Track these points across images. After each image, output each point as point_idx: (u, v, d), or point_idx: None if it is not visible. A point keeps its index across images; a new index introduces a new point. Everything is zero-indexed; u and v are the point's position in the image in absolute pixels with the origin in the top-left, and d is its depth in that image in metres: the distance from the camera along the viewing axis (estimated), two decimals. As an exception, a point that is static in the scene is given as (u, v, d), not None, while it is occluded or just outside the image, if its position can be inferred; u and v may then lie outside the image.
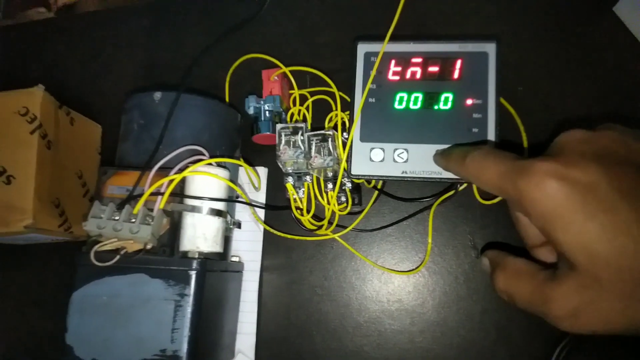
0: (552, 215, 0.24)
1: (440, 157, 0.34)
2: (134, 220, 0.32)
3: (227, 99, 0.43)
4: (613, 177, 0.23)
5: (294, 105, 0.41)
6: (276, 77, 0.40)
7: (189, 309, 0.32)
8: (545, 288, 0.25)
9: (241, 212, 0.42)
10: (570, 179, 0.23)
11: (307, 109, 0.41)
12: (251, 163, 0.42)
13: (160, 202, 0.33)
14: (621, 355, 0.36)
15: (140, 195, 0.33)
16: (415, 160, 0.35)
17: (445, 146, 0.34)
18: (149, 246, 0.33)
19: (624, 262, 0.22)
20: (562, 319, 0.24)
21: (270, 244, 0.42)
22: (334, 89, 0.40)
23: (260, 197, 0.42)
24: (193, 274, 0.32)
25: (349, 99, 0.39)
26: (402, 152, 0.35)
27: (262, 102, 0.40)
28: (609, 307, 0.23)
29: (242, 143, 0.43)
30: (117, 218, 0.32)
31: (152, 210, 0.33)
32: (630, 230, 0.22)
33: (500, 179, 0.27)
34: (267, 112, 0.40)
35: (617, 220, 0.22)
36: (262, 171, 0.43)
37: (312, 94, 0.42)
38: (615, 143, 0.25)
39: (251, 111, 0.40)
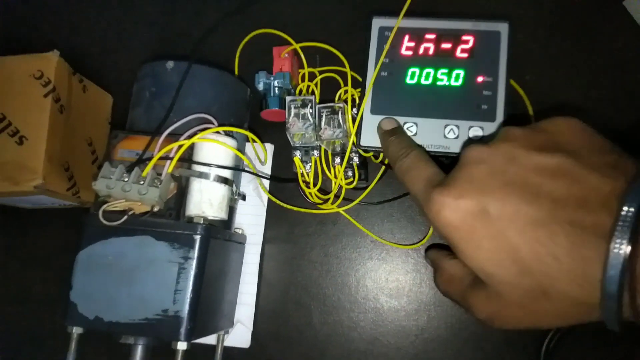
0: (451, 242, 0.27)
1: (381, 141, 0.36)
2: (142, 182, 0.33)
3: (236, 72, 0.44)
4: (497, 203, 0.25)
5: (303, 82, 0.42)
6: (287, 54, 0.41)
7: (192, 272, 0.32)
8: (468, 295, 0.29)
9: (246, 186, 0.43)
10: (460, 210, 0.25)
11: (315, 85, 0.42)
12: (259, 138, 0.43)
13: (169, 166, 0.33)
14: (609, 339, 0.36)
15: (150, 159, 0.33)
16: (424, 133, 0.35)
17: (455, 122, 0.35)
18: (156, 209, 0.33)
19: (513, 281, 0.24)
20: (482, 321, 0.28)
21: (273, 218, 0.43)
22: (347, 67, 0.41)
23: (266, 172, 0.43)
24: (198, 238, 0.33)
25: (360, 78, 0.40)
26: (412, 126, 0.36)
27: (272, 78, 0.40)
28: (513, 315, 0.26)
29: (251, 119, 0.44)
30: (126, 180, 0.33)
31: (160, 174, 0.34)
32: (513, 254, 0.24)
33: (415, 198, 0.30)
34: (276, 89, 0.40)
35: (500, 245, 0.24)
36: (269, 147, 0.44)
37: (321, 72, 0.43)
38: (506, 161, 0.26)
39: (261, 87, 0.41)
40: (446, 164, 0.36)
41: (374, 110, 0.36)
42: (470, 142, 0.34)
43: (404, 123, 0.36)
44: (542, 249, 0.23)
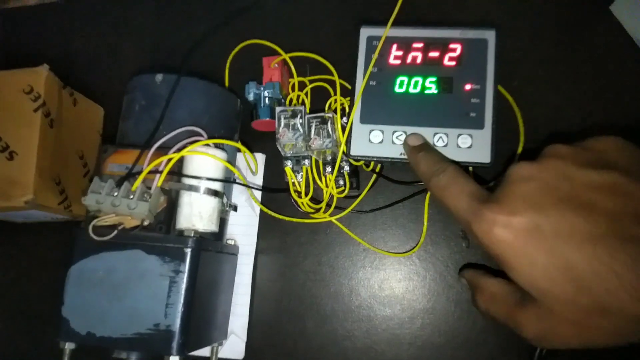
0: (501, 258, 0.26)
1: (410, 158, 0.35)
2: (132, 196, 0.33)
3: (226, 84, 0.44)
4: (552, 220, 0.24)
5: (293, 91, 0.42)
6: (276, 65, 0.41)
7: (183, 286, 0.32)
8: (515, 313, 0.28)
9: (238, 197, 0.43)
10: (513, 226, 0.25)
11: (305, 95, 0.42)
12: (250, 149, 0.43)
13: (158, 180, 0.33)
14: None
15: (139, 173, 0.33)
16: None
17: (444, 130, 0.35)
18: (146, 222, 0.33)
19: (569, 298, 0.24)
20: (531, 340, 0.27)
21: (266, 229, 0.43)
22: (335, 76, 0.41)
23: (257, 182, 0.43)
24: (188, 251, 0.33)
25: (349, 87, 0.40)
26: (401, 135, 0.36)
27: (262, 88, 0.40)
28: (565, 333, 0.26)
29: (241, 129, 0.44)
30: (115, 194, 0.33)
31: (150, 188, 0.34)
32: (569, 271, 0.24)
33: (457, 214, 0.29)
34: (266, 99, 0.40)
35: (555, 262, 0.24)
36: (260, 157, 0.44)
37: (311, 82, 0.43)
38: (558, 178, 0.26)
39: (251, 97, 0.41)
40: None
41: (364, 120, 0.37)
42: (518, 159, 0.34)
43: (393, 132, 0.36)
44: (601, 266, 0.23)
